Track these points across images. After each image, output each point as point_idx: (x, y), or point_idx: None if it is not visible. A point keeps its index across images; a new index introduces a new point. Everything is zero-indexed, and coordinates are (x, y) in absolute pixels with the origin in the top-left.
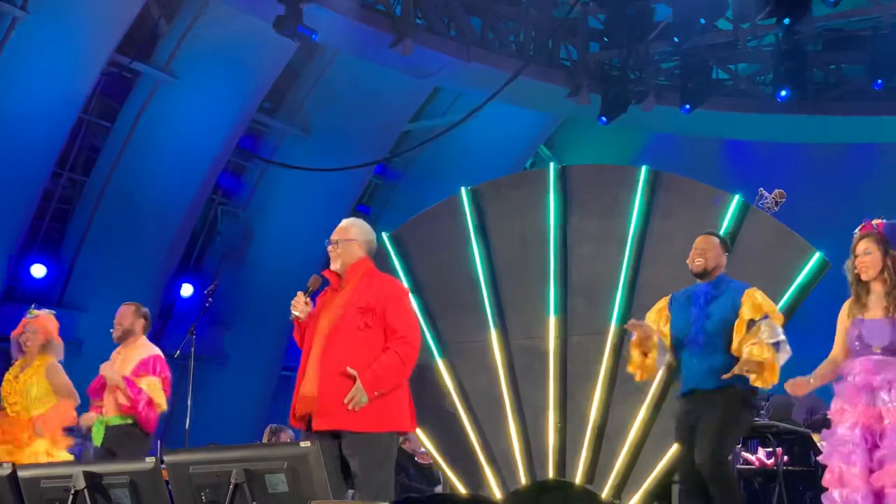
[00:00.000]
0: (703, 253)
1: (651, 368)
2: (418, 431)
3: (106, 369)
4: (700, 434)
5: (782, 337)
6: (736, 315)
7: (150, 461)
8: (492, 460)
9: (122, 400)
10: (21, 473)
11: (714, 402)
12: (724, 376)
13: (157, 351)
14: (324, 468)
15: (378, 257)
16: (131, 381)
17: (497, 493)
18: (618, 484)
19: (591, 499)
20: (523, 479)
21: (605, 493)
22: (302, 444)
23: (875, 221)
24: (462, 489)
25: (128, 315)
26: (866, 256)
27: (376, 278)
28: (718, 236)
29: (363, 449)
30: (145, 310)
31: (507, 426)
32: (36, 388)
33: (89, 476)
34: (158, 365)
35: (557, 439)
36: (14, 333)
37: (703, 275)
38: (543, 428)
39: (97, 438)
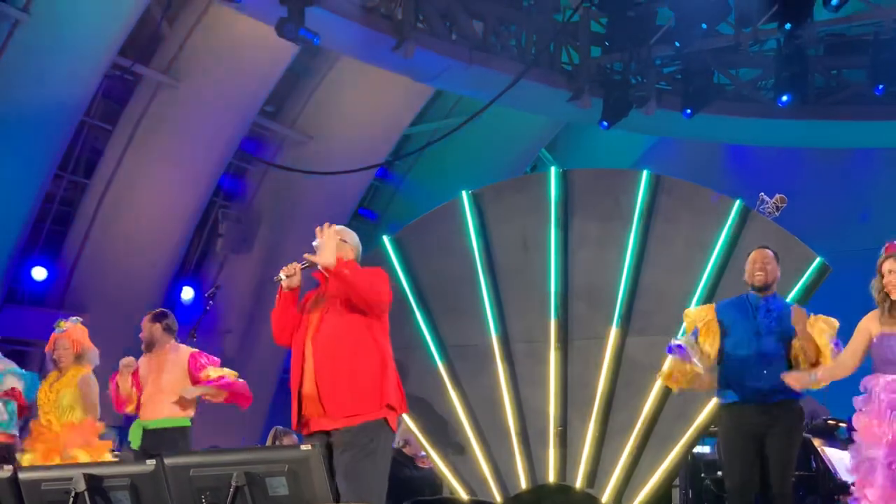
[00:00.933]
0: (764, 267)
1: (691, 377)
2: (418, 435)
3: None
4: (778, 459)
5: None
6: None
7: (150, 463)
8: (492, 464)
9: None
10: (21, 476)
11: (787, 419)
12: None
13: (191, 349)
14: (325, 471)
15: (379, 260)
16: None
17: (497, 497)
18: (619, 488)
19: (591, 503)
20: (524, 483)
21: (605, 498)
22: (303, 447)
23: None
24: (463, 493)
25: (145, 325)
26: (891, 275)
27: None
28: (772, 249)
29: (351, 438)
30: (163, 315)
31: (507, 430)
32: (68, 397)
33: (90, 478)
34: (202, 357)
35: (558, 443)
36: (46, 349)
37: (764, 288)
38: (544, 431)
39: (135, 441)
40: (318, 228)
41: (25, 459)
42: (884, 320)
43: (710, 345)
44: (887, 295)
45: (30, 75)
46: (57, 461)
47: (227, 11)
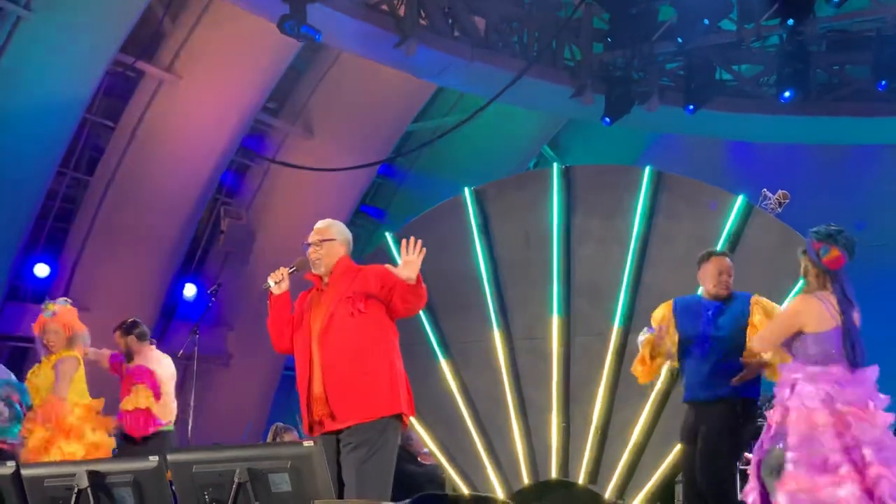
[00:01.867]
0: (730, 279)
1: (655, 371)
2: (421, 431)
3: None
4: (700, 453)
5: None
6: (746, 323)
7: (153, 460)
8: (495, 460)
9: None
10: (24, 472)
11: (714, 416)
12: (734, 381)
13: (145, 363)
14: (327, 467)
15: (381, 257)
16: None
17: (500, 494)
18: (621, 484)
19: (593, 499)
20: (526, 480)
21: (607, 494)
22: (305, 443)
23: None
24: (465, 489)
25: (119, 341)
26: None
27: (358, 270)
28: (729, 255)
29: (361, 436)
30: (132, 325)
31: (510, 426)
32: (45, 381)
33: (93, 475)
34: (140, 374)
35: (560, 439)
36: (36, 332)
37: (720, 297)
38: (546, 428)
39: None
40: (406, 241)
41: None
42: None
43: (670, 339)
44: None
45: (32, 72)
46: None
47: (228, 8)
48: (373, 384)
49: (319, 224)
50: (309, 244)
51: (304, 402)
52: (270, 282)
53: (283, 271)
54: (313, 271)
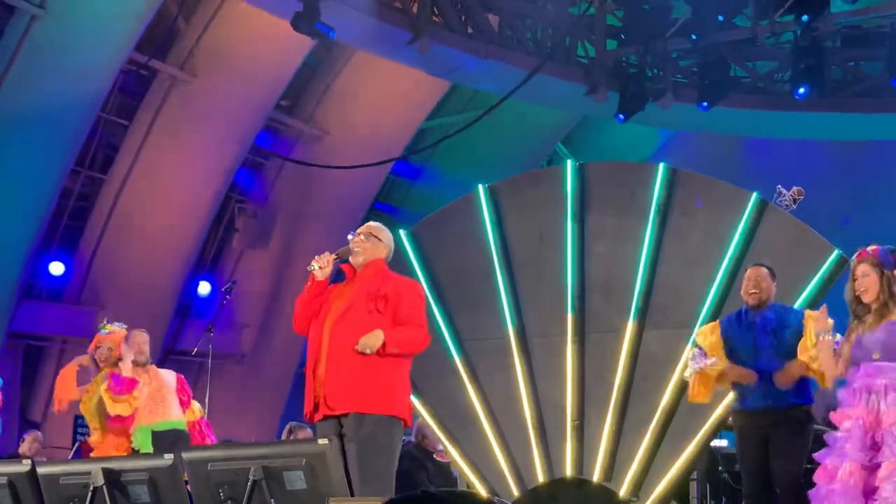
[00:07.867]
0: (758, 284)
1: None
2: (435, 429)
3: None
4: (780, 466)
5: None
6: (800, 336)
7: (168, 458)
8: (510, 458)
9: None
10: (40, 470)
11: (790, 423)
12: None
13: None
14: (342, 465)
15: (395, 254)
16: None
17: (514, 491)
18: (636, 481)
19: (608, 496)
20: (541, 477)
21: (622, 491)
22: (320, 441)
23: (870, 248)
24: (480, 487)
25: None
26: (865, 279)
27: (393, 276)
28: (767, 266)
29: (362, 431)
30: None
31: (524, 423)
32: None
33: (108, 473)
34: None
35: (575, 437)
36: (91, 348)
37: (757, 306)
38: (561, 425)
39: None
40: None
41: None
42: (854, 324)
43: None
44: (859, 299)
45: (46, 71)
46: None
47: (242, 6)
48: (372, 379)
49: (373, 223)
50: (357, 233)
51: (310, 384)
52: (315, 265)
53: (329, 257)
54: (350, 260)
